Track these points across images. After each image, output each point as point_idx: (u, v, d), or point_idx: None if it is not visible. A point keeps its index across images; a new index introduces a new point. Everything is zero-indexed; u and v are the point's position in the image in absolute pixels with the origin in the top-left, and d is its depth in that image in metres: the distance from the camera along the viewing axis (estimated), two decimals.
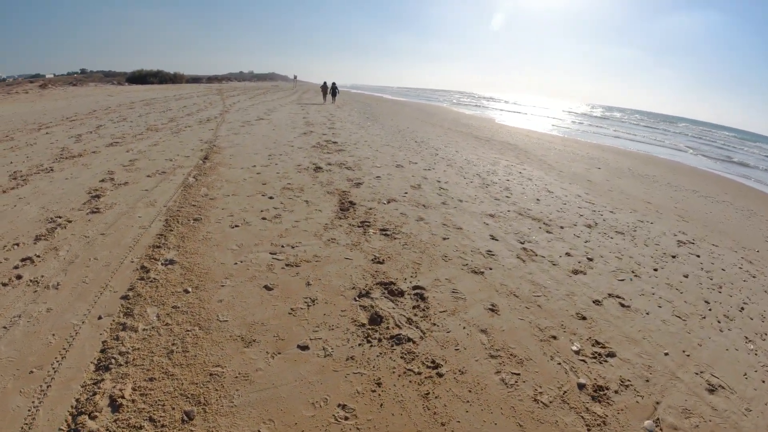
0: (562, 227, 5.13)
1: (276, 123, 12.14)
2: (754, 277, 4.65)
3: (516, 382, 2.42)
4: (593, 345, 2.84)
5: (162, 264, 3.43)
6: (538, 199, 6.31)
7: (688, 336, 3.13)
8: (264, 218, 4.51)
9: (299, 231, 4.25)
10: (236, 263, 3.53)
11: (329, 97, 23.61)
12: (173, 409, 1.96)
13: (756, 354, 3.08)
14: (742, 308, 3.77)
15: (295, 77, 47.67)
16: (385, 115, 19.05)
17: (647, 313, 3.35)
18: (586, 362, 2.65)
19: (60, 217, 4.21)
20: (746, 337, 3.28)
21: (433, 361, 2.52)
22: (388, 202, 5.35)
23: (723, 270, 4.65)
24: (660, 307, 3.50)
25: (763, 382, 2.75)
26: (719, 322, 3.43)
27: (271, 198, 5.17)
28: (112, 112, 13.39)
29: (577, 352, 2.74)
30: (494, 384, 2.39)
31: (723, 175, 14.52)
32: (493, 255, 4.08)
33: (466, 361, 2.56)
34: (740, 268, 4.84)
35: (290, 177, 6.16)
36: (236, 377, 2.21)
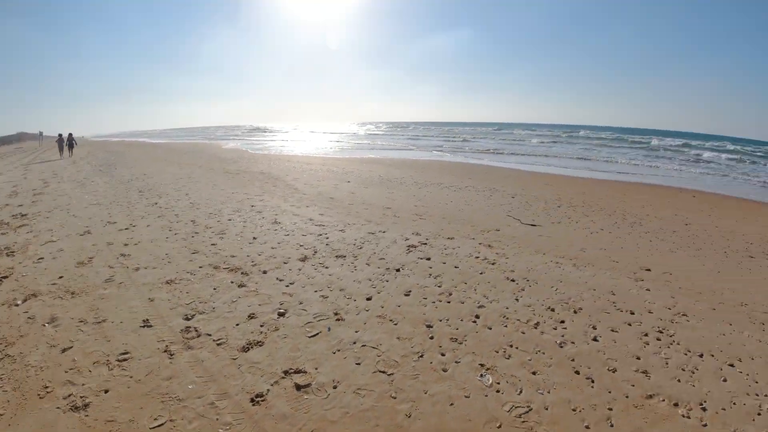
0: (265, 272, 3.86)
1: None
2: (493, 264, 4.17)
3: None
4: None
5: None
6: (254, 238, 4.97)
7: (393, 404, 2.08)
8: None
9: None
10: None
11: (66, 150, 19.58)
12: None
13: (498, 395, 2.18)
14: (501, 319, 3.04)
15: (41, 133, 38.74)
16: (127, 162, 15.41)
17: (327, 395, 2.18)
18: None
19: None
20: (481, 365, 2.45)
21: None
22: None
23: (456, 267, 4.04)
24: (358, 364, 2.42)
25: None
26: (443, 361, 2.53)
27: None
28: None
29: None
30: None
31: (468, 162, 16.12)
32: (124, 361, 2.43)
33: None
34: (476, 258, 4.35)
35: None
36: None
